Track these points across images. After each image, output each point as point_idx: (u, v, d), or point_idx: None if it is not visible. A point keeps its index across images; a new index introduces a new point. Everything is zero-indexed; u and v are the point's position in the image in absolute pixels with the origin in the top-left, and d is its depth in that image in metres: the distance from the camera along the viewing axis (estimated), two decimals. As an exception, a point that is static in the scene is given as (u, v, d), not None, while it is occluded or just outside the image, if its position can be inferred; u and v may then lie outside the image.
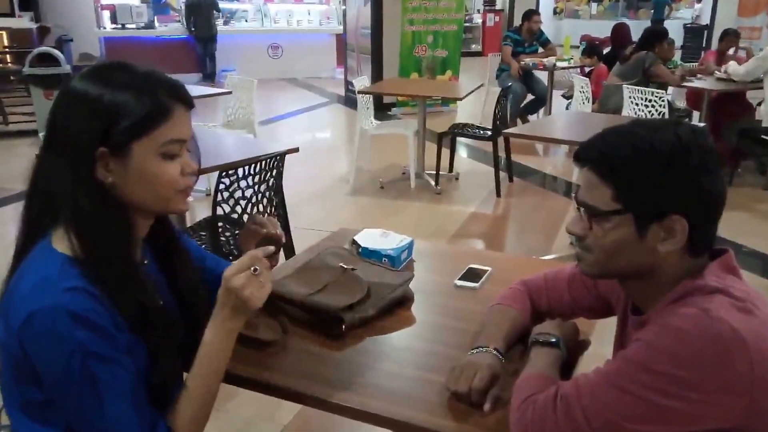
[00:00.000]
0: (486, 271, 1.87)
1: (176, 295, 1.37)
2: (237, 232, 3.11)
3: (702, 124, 6.12)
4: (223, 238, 3.06)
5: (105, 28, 11.89)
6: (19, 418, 1.19)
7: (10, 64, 9.17)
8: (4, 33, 10.26)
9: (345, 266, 1.73)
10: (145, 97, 1.15)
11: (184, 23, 12.00)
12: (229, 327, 1.24)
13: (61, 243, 1.15)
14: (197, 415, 1.23)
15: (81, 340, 1.08)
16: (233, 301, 1.22)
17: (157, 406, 1.20)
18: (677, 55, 7.68)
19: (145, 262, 1.31)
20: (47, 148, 1.18)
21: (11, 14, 10.92)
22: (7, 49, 9.99)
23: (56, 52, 7.00)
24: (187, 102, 1.22)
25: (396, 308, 1.66)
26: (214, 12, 11.97)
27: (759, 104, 6.71)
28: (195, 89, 6.66)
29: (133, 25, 11.86)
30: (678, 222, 1.09)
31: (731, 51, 7.46)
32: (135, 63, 1.23)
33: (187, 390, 1.23)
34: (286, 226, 3.29)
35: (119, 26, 11.82)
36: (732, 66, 6.52)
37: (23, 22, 10.75)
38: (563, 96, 8.32)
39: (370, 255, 1.87)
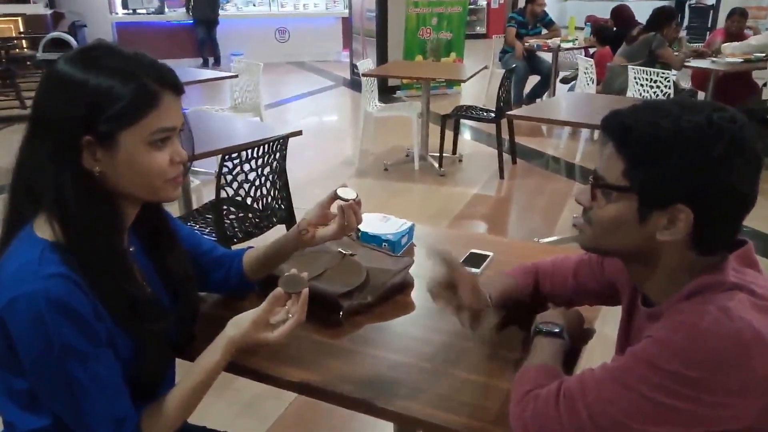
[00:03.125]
0: (487, 256, 1.87)
1: (165, 283, 1.36)
2: (241, 214, 3.14)
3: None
4: (227, 221, 3.09)
5: (117, 13, 11.94)
6: (5, 405, 1.19)
7: (25, 50, 9.21)
8: (19, 19, 10.33)
9: (344, 252, 1.73)
10: (131, 84, 1.11)
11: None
12: (232, 354, 1.27)
13: (42, 229, 1.13)
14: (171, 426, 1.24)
15: (58, 330, 1.07)
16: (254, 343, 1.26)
17: (144, 395, 1.22)
18: (682, 35, 7.59)
19: (131, 249, 1.29)
20: (32, 133, 1.15)
21: (26, 0, 10.95)
22: (22, 35, 10.04)
23: (68, 38, 7.05)
24: (176, 87, 1.18)
25: (395, 294, 1.65)
26: None
27: (765, 85, 6.68)
28: (202, 73, 6.69)
29: (144, 11, 11.91)
30: (683, 213, 1.01)
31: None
32: (122, 46, 1.18)
33: (169, 399, 1.23)
34: (290, 208, 3.32)
35: (130, 11, 11.87)
36: (731, 46, 6.48)
37: (38, 8, 10.83)
38: (562, 81, 8.29)
39: (370, 240, 1.88)
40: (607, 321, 1.63)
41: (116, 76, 1.11)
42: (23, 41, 9.61)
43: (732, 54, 6.50)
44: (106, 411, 1.14)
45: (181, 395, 1.24)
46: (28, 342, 1.08)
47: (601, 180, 1.08)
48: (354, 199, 1.43)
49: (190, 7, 11.89)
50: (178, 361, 1.41)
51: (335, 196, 1.43)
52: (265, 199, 3.12)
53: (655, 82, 5.65)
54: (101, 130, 1.11)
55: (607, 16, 8.19)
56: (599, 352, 1.34)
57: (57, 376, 1.10)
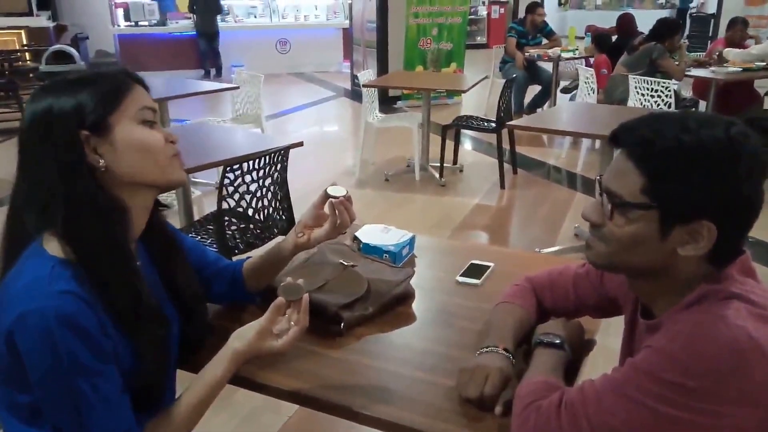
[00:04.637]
0: (488, 267, 1.86)
1: (172, 295, 1.37)
2: (242, 225, 3.14)
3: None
4: (229, 232, 3.09)
5: (119, 25, 12.00)
6: (7, 418, 1.19)
7: (28, 62, 9.25)
8: (22, 31, 10.39)
9: (345, 263, 1.73)
10: (101, 79, 1.20)
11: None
12: (237, 367, 1.28)
13: (51, 245, 1.15)
14: None
15: (67, 347, 1.08)
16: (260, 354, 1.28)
17: (147, 405, 1.22)
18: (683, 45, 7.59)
19: (138, 263, 1.30)
20: (31, 147, 1.18)
21: (29, 13, 11.02)
22: (25, 47, 10.09)
23: (71, 50, 7.09)
24: (142, 82, 1.27)
25: (396, 306, 1.65)
26: (217, 9, 12.05)
27: (767, 94, 6.68)
28: (203, 84, 6.72)
29: (146, 23, 11.97)
30: (707, 228, 1.01)
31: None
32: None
33: (173, 412, 1.24)
34: (291, 219, 3.32)
35: (132, 24, 11.93)
36: (733, 52, 6.49)
37: (41, 20, 10.87)
38: (562, 91, 8.30)
39: (371, 251, 1.87)
40: (609, 332, 1.62)
41: (87, 81, 1.20)
42: (26, 54, 9.66)
43: (733, 62, 6.50)
44: (110, 426, 1.14)
45: (186, 408, 1.24)
46: (36, 357, 1.09)
47: (618, 198, 1.06)
48: (344, 196, 1.44)
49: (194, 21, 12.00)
50: (181, 373, 1.40)
51: (327, 196, 1.45)
52: (266, 210, 3.12)
53: (656, 91, 5.65)
54: (91, 120, 1.16)
55: (608, 25, 8.21)
56: (602, 363, 1.33)
57: (63, 390, 1.10)
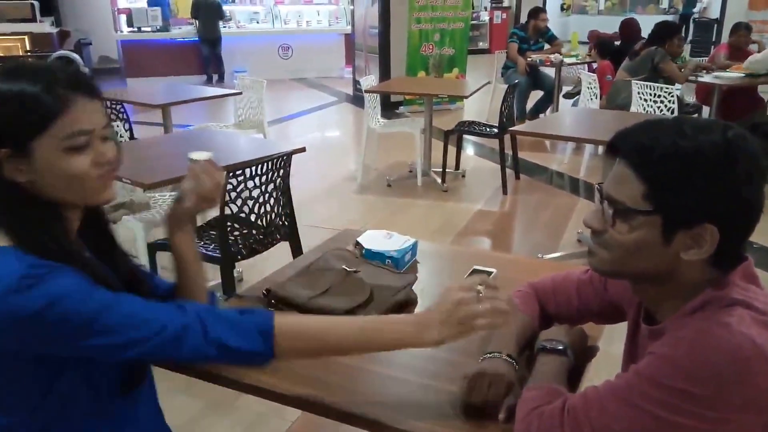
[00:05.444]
0: (490, 273, 1.85)
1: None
2: (245, 231, 3.14)
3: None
4: (231, 238, 3.09)
5: (122, 31, 12.00)
6: None
7: (32, 68, 9.28)
8: (26, 37, 10.41)
9: (348, 269, 1.73)
10: (36, 93, 1.10)
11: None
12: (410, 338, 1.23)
13: (3, 240, 1.13)
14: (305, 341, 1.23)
15: (77, 301, 1.08)
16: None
17: (129, 387, 1.22)
18: (686, 50, 7.58)
19: (87, 255, 1.27)
20: None
21: (33, 19, 11.04)
22: (28, 53, 10.11)
23: (74, 55, 7.14)
24: (89, 91, 1.16)
25: (399, 311, 1.65)
26: (219, 15, 12.07)
27: (770, 99, 6.67)
28: (206, 90, 6.74)
29: (149, 28, 11.97)
30: (709, 232, 1.01)
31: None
32: (37, 63, 1.19)
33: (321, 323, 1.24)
34: (293, 225, 3.32)
35: (135, 29, 11.93)
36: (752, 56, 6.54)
37: (44, 26, 10.91)
38: (565, 96, 8.29)
39: (374, 257, 1.87)
40: (612, 339, 1.62)
41: (21, 83, 1.11)
42: (30, 59, 9.70)
43: (737, 67, 6.49)
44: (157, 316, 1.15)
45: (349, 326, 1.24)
46: (52, 325, 1.07)
47: (621, 204, 1.06)
48: (206, 160, 1.38)
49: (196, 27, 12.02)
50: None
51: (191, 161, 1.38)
52: (268, 215, 3.12)
53: (659, 96, 5.65)
54: (13, 141, 1.11)
55: (610, 31, 8.19)
56: (605, 370, 1.33)
57: (106, 314, 1.10)
